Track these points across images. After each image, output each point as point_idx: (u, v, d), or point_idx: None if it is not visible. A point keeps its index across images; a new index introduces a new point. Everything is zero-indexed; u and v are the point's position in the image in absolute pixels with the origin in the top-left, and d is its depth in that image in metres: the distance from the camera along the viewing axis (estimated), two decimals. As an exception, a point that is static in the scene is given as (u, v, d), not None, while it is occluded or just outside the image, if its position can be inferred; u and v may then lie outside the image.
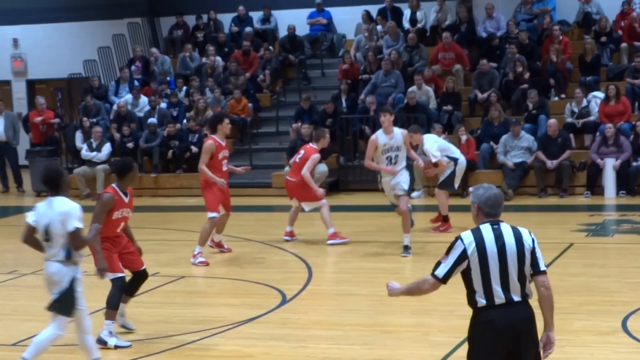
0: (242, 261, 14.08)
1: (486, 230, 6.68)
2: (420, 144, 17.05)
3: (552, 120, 21.12)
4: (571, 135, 21.41)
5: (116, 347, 10.65)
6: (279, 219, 17.43)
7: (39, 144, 24.84)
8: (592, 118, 21.73)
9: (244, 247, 15.98)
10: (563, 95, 23.08)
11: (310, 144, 16.75)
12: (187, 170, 23.09)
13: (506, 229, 6.69)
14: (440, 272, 6.78)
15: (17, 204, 23.01)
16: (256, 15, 27.92)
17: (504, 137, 21.23)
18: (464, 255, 6.64)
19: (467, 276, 6.71)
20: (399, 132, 15.37)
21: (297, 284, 13.38)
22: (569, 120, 21.86)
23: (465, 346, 10.11)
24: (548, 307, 6.73)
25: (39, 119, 24.86)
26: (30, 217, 9.01)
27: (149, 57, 27.50)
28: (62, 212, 8.83)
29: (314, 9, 27.28)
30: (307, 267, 14.51)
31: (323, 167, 22.04)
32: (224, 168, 14.85)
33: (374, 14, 26.43)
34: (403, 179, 15.34)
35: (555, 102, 22.86)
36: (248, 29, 27.31)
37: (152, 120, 24.31)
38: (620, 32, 24.17)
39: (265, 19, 27.89)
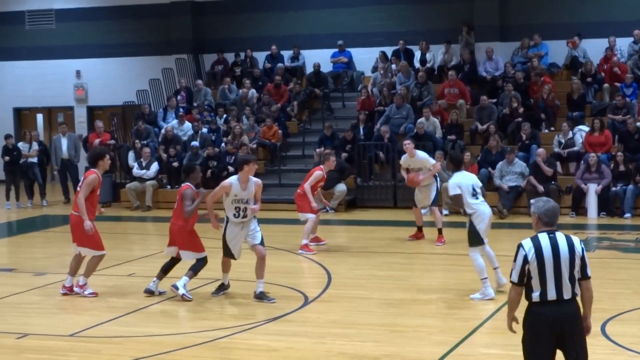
0: (271, 267, 14.05)
1: (543, 238, 6.92)
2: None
3: (540, 149, 21.07)
4: (558, 163, 21.33)
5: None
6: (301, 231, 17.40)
7: (97, 162, 24.89)
8: (576, 148, 21.65)
9: (273, 255, 15.96)
10: (552, 128, 23.00)
11: (320, 166, 16.85)
12: (224, 187, 23.05)
13: (560, 238, 6.93)
14: (514, 277, 6.98)
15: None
16: (287, 54, 27.95)
17: (500, 163, 21.18)
18: (526, 260, 6.89)
19: (527, 276, 6.94)
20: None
21: (318, 288, 13.38)
22: (557, 150, 21.78)
23: (464, 345, 10.13)
24: (589, 304, 7.06)
25: (97, 140, 24.91)
26: None
27: (193, 89, 27.59)
28: None
29: (336, 49, 27.29)
30: (327, 273, 14.47)
31: (342, 187, 22.04)
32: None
33: (389, 54, 26.42)
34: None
35: (545, 134, 22.77)
36: (279, 65, 27.35)
37: (195, 143, 24.34)
38: (603, 74, 24.09)
39: (295, 57, 27.92)
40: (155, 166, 23.80)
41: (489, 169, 21.50)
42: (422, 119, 23.16)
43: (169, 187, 24.03)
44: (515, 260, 6.94)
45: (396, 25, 26.98)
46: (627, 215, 20.12)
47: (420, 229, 17.66)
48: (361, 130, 23.96)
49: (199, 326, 11.27)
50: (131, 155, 24.45)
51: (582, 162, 20.92)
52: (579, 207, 20.58)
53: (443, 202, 20.90)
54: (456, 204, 12.62)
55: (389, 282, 14.16)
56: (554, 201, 7.19)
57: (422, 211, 17.84)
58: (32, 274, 14.90)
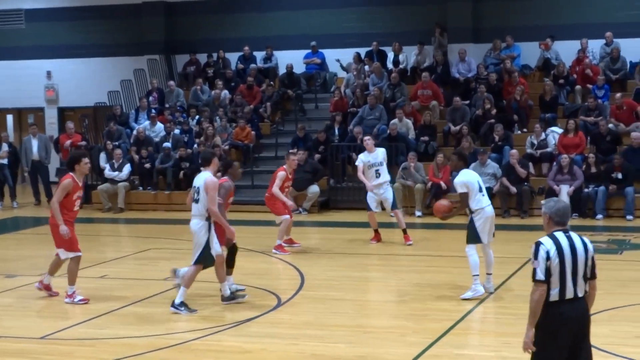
0: (244, 269, 14.08)
1: (561, 237, 7.00)
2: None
3: (513, 151, 21.22)
4: (530, 164, 21.49)
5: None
6: (276, 231, 17.45)
7: (68, 163, 24.81)
8: (549, 149, 21.80)
9: (245, 257, 15.98)
10: (525, 129, 23.16)
11: (283, 166, 16.78)
12: (197, 188, 23.03)
13: (575, 237, 7.05)
14: (540, 275, 6.92)
15: (48, 215, 22.90)
16: (259, 55, 27.95)
17: (473, 164, 21.21)
18: (548, 257, 6.91)
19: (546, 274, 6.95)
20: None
21: (291, 289, 13.40)
22: (529, 151, 21.93)
23: (437, 346, 10.20)
24: (592, 303, 7.14)
25: (68, 141, 24.83)
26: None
27: (165, 89, 27.56)
28: None
29: (309, 50, 27.34)
30: (300, 275, 14.51)
31: (315, 188, 22.09)
32: (76, 208, 12.87)
33: (362, 55, 26.49)
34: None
35: (518, 135, 22.91)
36: (252, 66, 27.37)
37: (167, 144, 24.32)
38: (575, 76, 24.26)
39: (267, 58, 27.93)
40: (127, 168, 23.76)
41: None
42: (395, 120, 23.25)
43: (140, 188, 23.99)
44: (536, 259, 6.93)
45: (369, 27, 27.08)
46: (599, 216, 20.28)
47: (376, 232, 17.58)
48: (336, 131, 24.01)
49: (171, 328, 11.28)
50: (103, 156, 24.38)
51: (555, 163, 21.07)
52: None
53: (417, 203, 21.10)
54: (462, 202, 12.62)
55: (362, 283, 14.24)
56: (564, 201, 7.28)
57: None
58: (3, 276, 14.85)
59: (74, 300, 12.57)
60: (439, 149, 22.54)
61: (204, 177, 11.98)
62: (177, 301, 11.96)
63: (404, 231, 17.25)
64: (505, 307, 12.07)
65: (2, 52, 30.54)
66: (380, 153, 17.29)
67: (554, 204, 7.17)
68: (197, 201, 12.01)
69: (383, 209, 17.65)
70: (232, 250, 12.81)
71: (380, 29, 26.90)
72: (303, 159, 21.05)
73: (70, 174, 12.66)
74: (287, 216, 16.42)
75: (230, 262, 12.75)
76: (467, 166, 13.05)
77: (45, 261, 15.94)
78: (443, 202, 13.22)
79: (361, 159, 17.33)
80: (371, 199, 17.20)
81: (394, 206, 17.28)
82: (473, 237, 12.50)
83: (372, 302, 12.69)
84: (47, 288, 13.04)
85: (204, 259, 12.00)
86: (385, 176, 17.24)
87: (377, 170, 17.12)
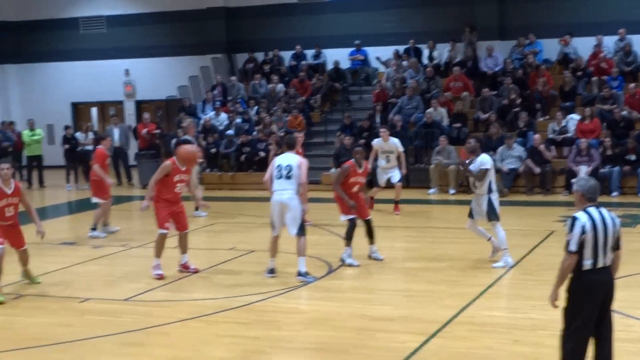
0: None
1: (594, 212, 6.94)
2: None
3: (536, 135, 21.03)
4: (553, 147, 21.28)
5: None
6: (327, 208, 17.45)
7: (145, 149, 25.00)
8: (569, 134, 21.56)
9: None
10: (547, 117, 22.92)
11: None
12: (257, 170, 23.08)
13: (605, 212, 7.00)
14: (573, 246, 6.87)
15: (128, 194, 23.17)
16: (310, 53, 27.92)
17: (500, 148, 21.13)
18: (583, 231, 6.86)
19: (580, 246, 6.91)
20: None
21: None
22: (551, 136, 21.71)
23: (470, 308, 10.16)
24: (616, 270, 7.12)
25: (144, 130, 25.04)
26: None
27: (228, 84, 27.65)
28: None
29: (354, 48, 27.25)
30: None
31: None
32: (177, 189, 12.33)
33: (400, 52, 26.35)
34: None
35: (541, 122, 22.67)
36: (303, 63, 27.36)
37: (230, 132, 24.42)
38: (591, 68, 23.94)
39: (317, 55, 27.89)
40: (195, 152, 23.86)
41: (491, 152, 21.44)
42: (430, 109, 23.14)
43: (207, 170, 24.11)
44: (571, 231, 6.87)
45: (407, 27, 26.91)
46: (614, 194, 20.02)
47: (372, 199, 17.96)
48: (377, 119, 23.93)
49: (236, 292, 11.34)
50: (173, 143, 24.46)
51: (574, 146, 20.84)
52: (571, 187, 20.49)
53: (451, 182, 21.01)
54: (479, 179, 12.51)
55: (402, 253, 14.21)
56: (593, 179, 7.18)
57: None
58: (91, 247, 15.02)
59: (153, 273, 12.23)
60: (469, 135, 22.36)
61: (296, 158, 11.91)
62: (302, 270, 11.85)
63: (397, 202, 17.98)
64: (531, 275, 11.97)
65: (86, 53, 30.80)
66: (393, 144, 17.82)
67: (585, 182, 7.07)
68: (289, 177, 11.75)
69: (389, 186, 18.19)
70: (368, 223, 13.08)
71: (417, 29, 26.71)
72: (349, 144, 21.04)
73: (173, 157, 12.36)
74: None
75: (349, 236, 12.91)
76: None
77: (125, 235, 16.13)
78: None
79: (375, 143, 18.03)
80: (380, 175, 18.05)
81: (399, 181, 18.01)
82: (495, 214, 12.43)
83: (411, 269, 12.65)
84: (186, 267, 12.55)
85: (303, 229, 11.91)
86: (394, 162, 17.86)
87: (387, 156, 17.83)
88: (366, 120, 23.65)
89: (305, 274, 11.84)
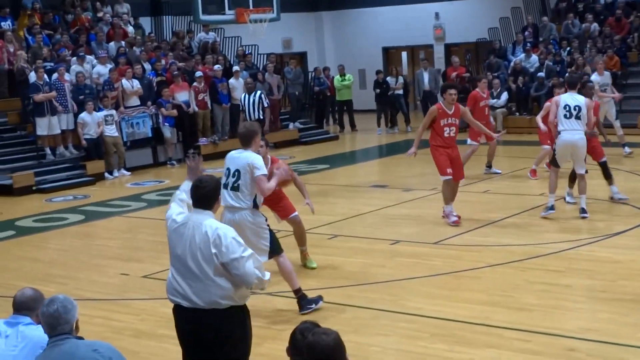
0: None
1: None
2: None
3: None
4: None
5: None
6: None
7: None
8: None
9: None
10: None
11: None
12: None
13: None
14: None
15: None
16: (630, -12, 26.47)
17: None
18: None
19: None
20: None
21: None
22: None
23: None
24: None
25: (454, 73, 25.09)
26: None
27: (539, 24, 26.93)
28: None
29: (677, -18, 25.48)
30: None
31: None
32: (446, 134, 12.00)
33: None
34: None
35: None
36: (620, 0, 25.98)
37: (541, 74, 23.81)
38: None
39: (635, -9, 26.40)
40: (505, 95, 23.59)
41: None
42: None
43: (517, 114, 23.75)
44: None
45: None
46: None
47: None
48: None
49: (546, 238, 11.17)
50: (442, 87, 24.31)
51: None
52: None
53: None
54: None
55: None
56: None
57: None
58: (401, 190, 15.39)
59: (447, 221, 12.15)
60: None
61: (582, 98, 11.98)
62: (584, 206, 12.06)
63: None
64: None
65: (398, -2, 31.25)
66: (607, 76, 17.18)
67: None
68: (579, 118, 11.82)
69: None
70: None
71: None
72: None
73: (439, 102, 12.27)
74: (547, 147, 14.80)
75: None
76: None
77: (431, 179, 16.01)
78: None
79: (593, 78, 17.93)
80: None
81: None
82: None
83: None
84: (447, 216, 12.29)
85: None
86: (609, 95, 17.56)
87: (605, 89, 17.53)
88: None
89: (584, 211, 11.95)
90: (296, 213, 10.06)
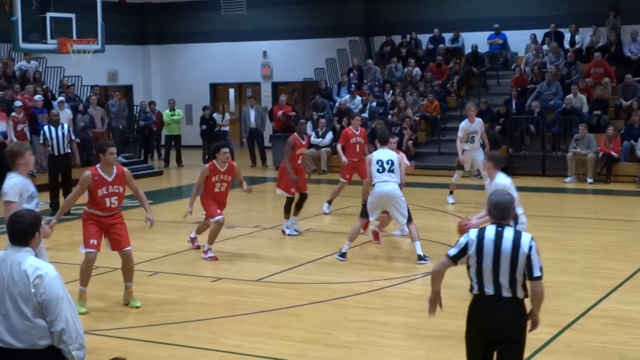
0: (426, 225, 13.93)
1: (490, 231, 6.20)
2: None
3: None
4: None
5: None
6: (461, 194, 17.26)
7: (280, 131, 25.30)
8: None
9: (427, 215, 15.91)
10: (693, 105, 21.97)
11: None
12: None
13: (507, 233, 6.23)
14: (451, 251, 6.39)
15: (262, 175, 23.55)
16: (447, 36, 27.60)
17: (646, 135, 20.46)
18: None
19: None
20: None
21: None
22: (698, 124, 20.83)
23: (605, 302, 9.85)
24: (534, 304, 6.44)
25: (280, 112, 25.35)
26: None
27: (364, 67, 27.66)
28: None
29: (493, 32, 26.79)
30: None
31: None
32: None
33: (540, 36, 25.77)
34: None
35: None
36: (441, 47, 27.07)
37: (365, 115, 24.41)
38: None
39: (455, 39, 27.55)
40: (330, 135, 24.03)
41: (632, 141, 20.78)
42: (570, 95, 22.52)
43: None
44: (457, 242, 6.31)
45: (548, 10, 26.26)
46: None
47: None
48: (513, 105, 23.48)
49: (366, 276, 11.37)
50: (309, 125, 24.71)
51: None
52: None
53: (589, 171, 20.46)
54: None
55: (537, 243, 13.89)
56: (509, 194, 6.44)
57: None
58: (224, 227, 15.27)
59: (204, 257, 12.59)
60: (610, 122, 21.71)
61: (393, 153, 12.56)
62: (421, 253, 12.05)
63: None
64: (671, 269, 11.54)
65: (226, 35, 31.33)
66: (478, 123, 17.43)
67: (495, 198, 6.28)
68: (392, 171, 12.21)
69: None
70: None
71: (559, 12, 26.02)
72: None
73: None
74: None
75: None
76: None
77: (258, 215, 16.35)
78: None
79: (463, 125, 17.48)
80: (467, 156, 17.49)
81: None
82: None
83: (546, 260, 12.35)
84: (193, 241, 13.33)
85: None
86: (477, 144, 17.44)
87: (472, 137, 17.36)
88: (503, 106, 23.25)
89: (424, 257, 11.98)
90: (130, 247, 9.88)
